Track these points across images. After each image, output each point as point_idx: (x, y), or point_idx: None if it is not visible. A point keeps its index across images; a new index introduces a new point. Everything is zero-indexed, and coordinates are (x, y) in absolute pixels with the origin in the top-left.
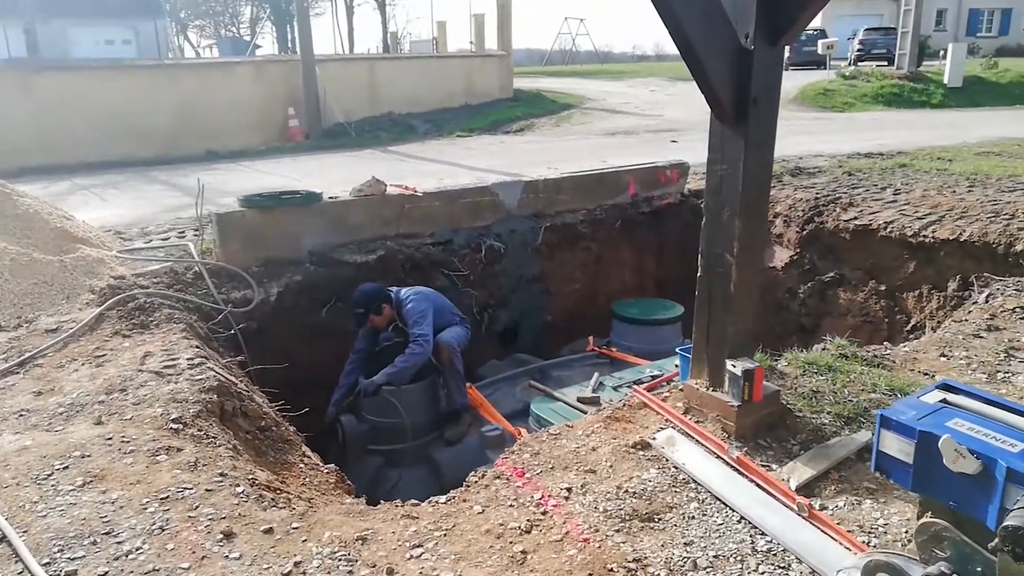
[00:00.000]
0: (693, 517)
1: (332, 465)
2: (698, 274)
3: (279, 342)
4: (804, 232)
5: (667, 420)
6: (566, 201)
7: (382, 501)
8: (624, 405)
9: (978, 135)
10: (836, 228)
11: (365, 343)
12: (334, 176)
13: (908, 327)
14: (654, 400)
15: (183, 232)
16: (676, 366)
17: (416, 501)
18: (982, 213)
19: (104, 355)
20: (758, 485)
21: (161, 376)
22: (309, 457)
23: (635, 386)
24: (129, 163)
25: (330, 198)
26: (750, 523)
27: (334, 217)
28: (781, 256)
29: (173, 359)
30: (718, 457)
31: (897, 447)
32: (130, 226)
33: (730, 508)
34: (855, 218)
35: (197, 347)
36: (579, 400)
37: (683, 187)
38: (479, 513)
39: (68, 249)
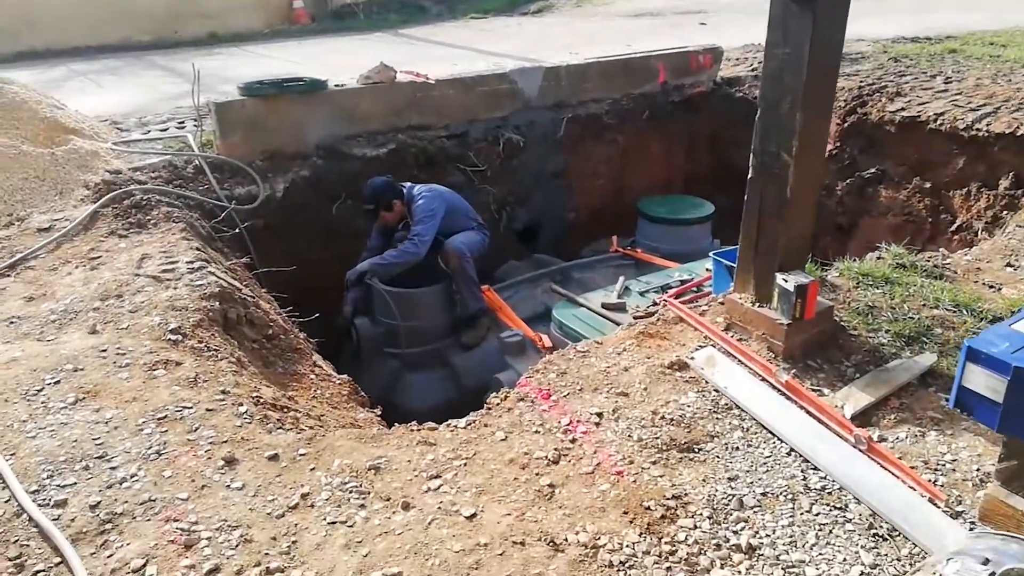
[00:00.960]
0: (737, 448)
1: (344, 375)
2: (748, 175)
3: (287, 241)
4: (845, 124)
5: (706, 337)
6: (590, 90)
7: (397, 405)
8: (658, 319)
9: None
10: (881, 120)
11: (378, 240)
12: (341, 62)
13: (953, 227)
14: (691, 315)
15: (183, 122)
16: (708, 270)
17: (433, 424)
18: None
19: (99, 257)
20: (809, 413)
21: (159, 281)
22: (320, 367)
23: (668, 298)
24: (128, 47)
25: (336, 86)
26: (801, 456)
27: (341, 107)
28: None
29: (172, 262)
30: (764, 380)
31: (985, 383)
32: (128, 115)
33: (778, 438)
34: (902, 109)
35: (198, 249)
36: (603, 306)
37: (716, 74)
38: (502, 440)
39: (59, 141)
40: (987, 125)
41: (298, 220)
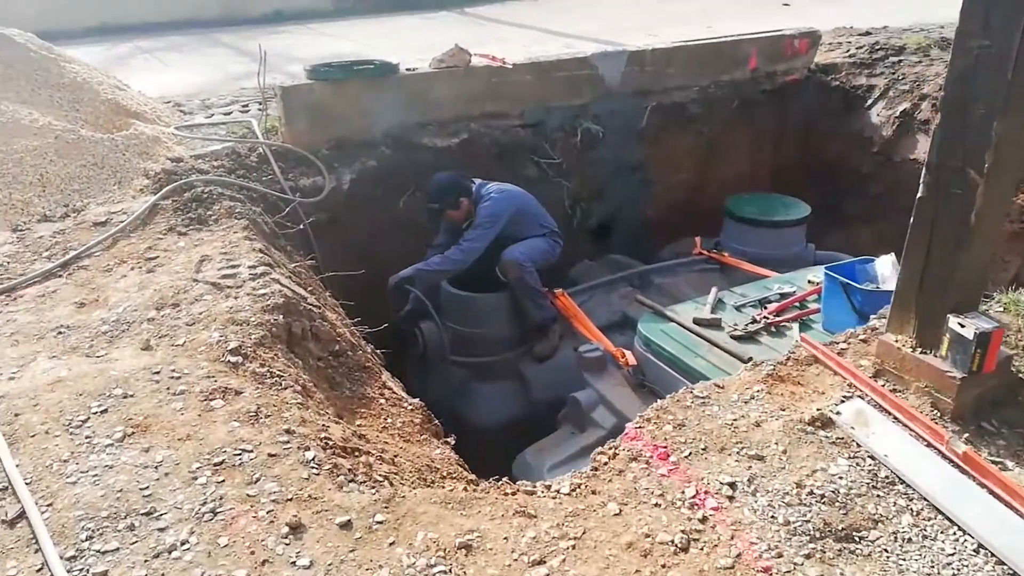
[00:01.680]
0: (909, 539)
1: (416, 400)
2: (918, 195)
3: (352, 237)
4: None
5: (850, 386)
6: (676, 76)
7: (468, 417)
8: (788, 359)
9: None
10: None
11: (445, 237)
12: (409, 41)
13: None
14: (831, 356)
15: (246, 106)
16: (810, 282)
17: (530, 487)
18: None
19: (156, 257)
20: (994, 494)
21: (219, 289)
22: (390, 388)
23: (804, 336)
24: (194, 23)
25: (407, 70)
26: (993, 555)
27: (412, 92)
28: (924, 146)
29: (233, 266)
30: (928, 445)
31: None
32: (191, 97)
33: (959, 527)
34: None
35: (261, 251)
36: (696, 322)
37: (811, 60)
38: (615, 515)
39: (120, 125)
40: None
41: (365, 214)
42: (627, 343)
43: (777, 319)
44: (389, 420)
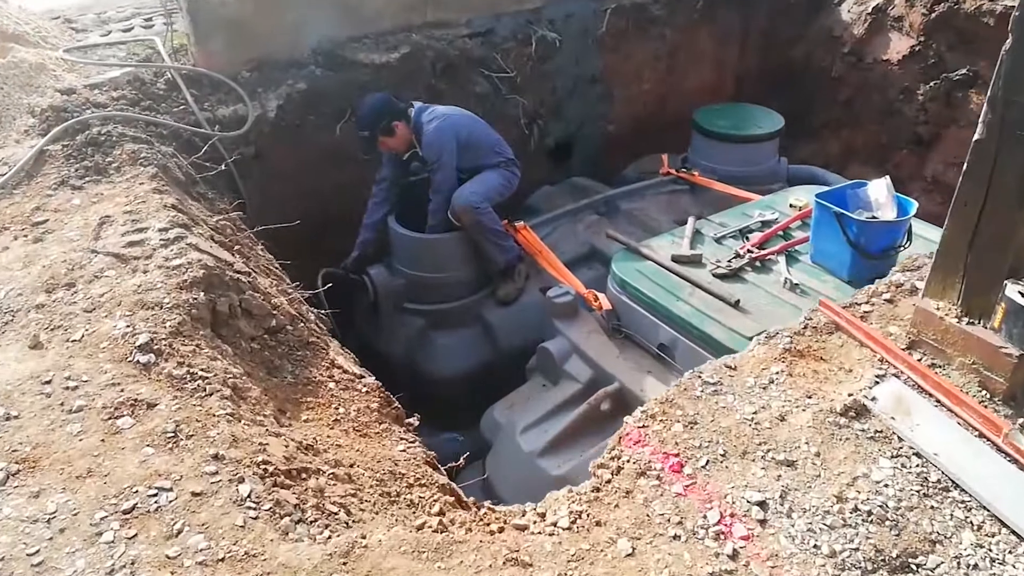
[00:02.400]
0: (974, 564)
1: (372, 379)
2: (975, 137)
3: (284, 172)
4: (932, 15)
5: (882, 360)
6: None
7: (428, 370)
8: (805, 327)
9: None
10: (978, 10)
11: (390, 170)
12: None
13: None
14: (856, 324)
15: (150, 19)
16: (792, 207)
17: (521, 518)
18: None
19: (45, 221)
20: None
21: (124, 261)
22: (341, 368)
23: (824, 301)
24: None
25: None
26: None
27: (344, 2)
28: (898, 46)
29: (141, 229)
30: (980, 435)
31: None
32: (85, 9)
33: None
34: None
35: (175, 206)
36: (674, 259)
37: None
38: (628, 555)
39: None
40: None
41: (296, 146)
42: (596, 278)
43: (761, 252)
44: (341, 410)
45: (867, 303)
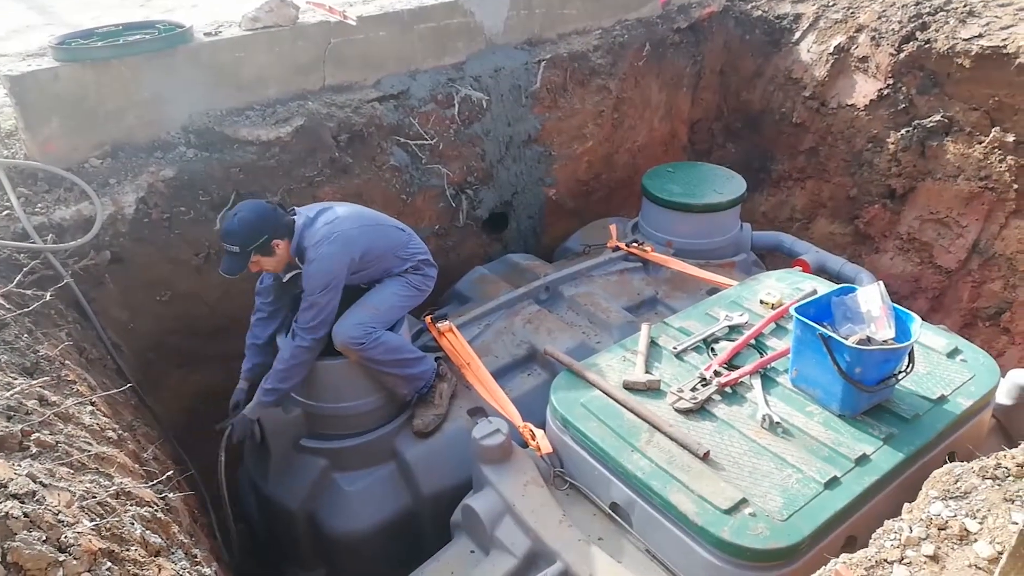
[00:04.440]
0: None
1: None
2: None
3: (152, 278)
4: (901, 55)
5: None
6: (574, 17)
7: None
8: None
9: None
10: (951, 50)
11: (267, 296)
12: None
13: None
14: None
15: None
16: (763, 303)
17: None
18: None
19: None
20: None
21: None
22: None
23: (838, 571)
24: None
25: (207, 34)
26: None
27: (218, 66)
28: (864, 89)
29: None
30: None
31: None
32: None
33: None
34: (980, 36)
35: None
36: (627, 387)
37: None
38: None
39: None
40: None
41: (165, 244)
42: (537, 387)
43: (732, 376)
44: None
45: (900, 560)
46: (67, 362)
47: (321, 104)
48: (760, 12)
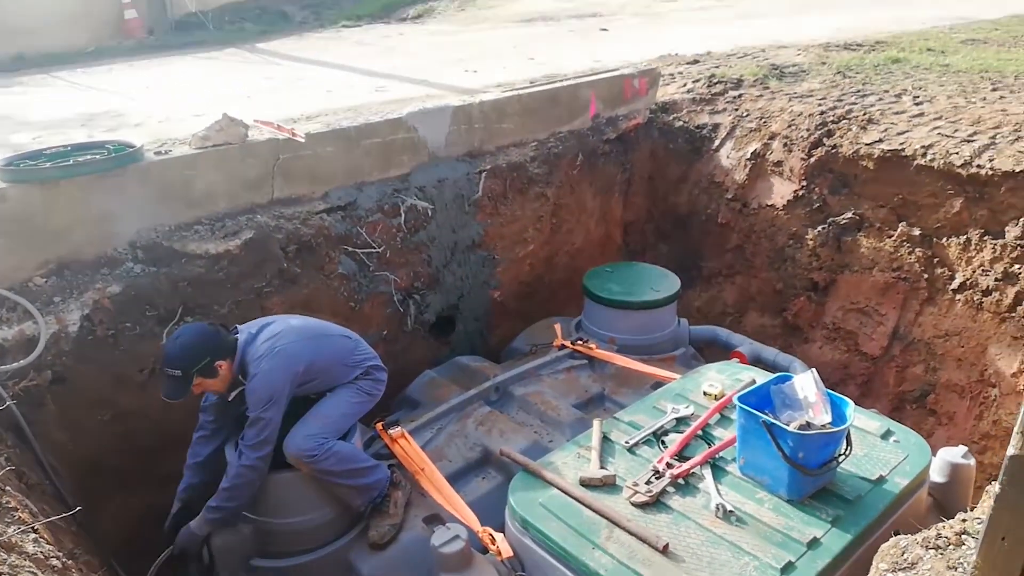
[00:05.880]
0: None
1: None
2: (1008, 453)
3: (96, 397)
4: (811, 159)
5: None
6: (511, 131)
7: None
8: None
9: (925, 16)
10: (855, 154)
11: (211, 415)
12: (188, 92)
13: (954, 284)
14: None
15: None
16: (706, 394)
17: None
18: None
19: None
20: None
21: None
22: None
23: None
24: None
25: (157, 153)
26: None
27: (167, 184)
28: (781, 191)
29: None
30: None
31: None
32: None
33: None
34: (880, 140)
35: None
36: (583, 484)
37: (652, 100)
38: None
39: None
40: (990, 161)
41: (110, 361)
42: (493, 490)
43: (683, 467)
44: None
45: None
46: (7, 488)
47: (270, 217)
48: (681, 123)
